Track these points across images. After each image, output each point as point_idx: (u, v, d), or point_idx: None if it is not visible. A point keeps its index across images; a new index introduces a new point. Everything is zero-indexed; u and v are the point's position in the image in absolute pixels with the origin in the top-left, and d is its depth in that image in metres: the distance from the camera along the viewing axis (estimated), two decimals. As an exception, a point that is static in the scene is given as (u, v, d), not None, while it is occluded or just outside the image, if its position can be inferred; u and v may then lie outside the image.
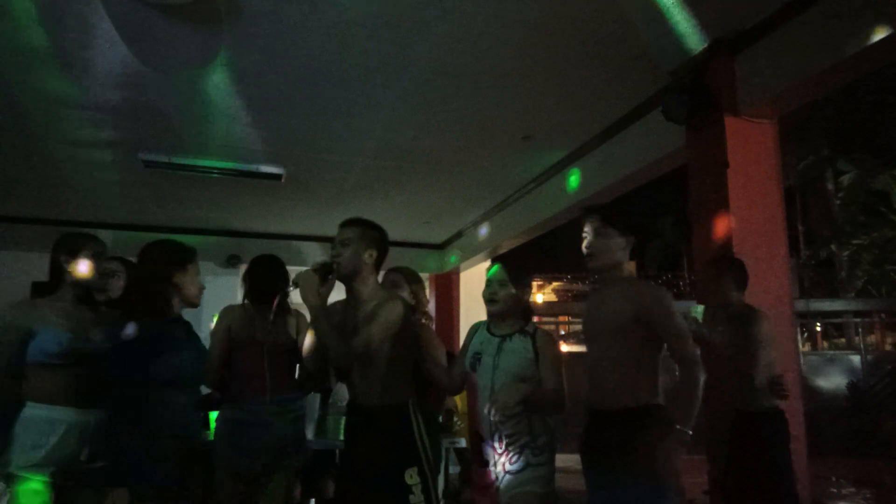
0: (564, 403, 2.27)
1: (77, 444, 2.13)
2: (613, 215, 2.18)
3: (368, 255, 2.31)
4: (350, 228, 2.35)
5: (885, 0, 2.35)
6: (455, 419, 3.84)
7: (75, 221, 6.62)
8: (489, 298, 2.39)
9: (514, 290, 2.37)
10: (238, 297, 3.66)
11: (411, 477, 2.15)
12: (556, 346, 2.37)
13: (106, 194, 5.74)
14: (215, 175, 4.93)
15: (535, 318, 2.51)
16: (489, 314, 2.45)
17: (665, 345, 2.07)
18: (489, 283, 2.41)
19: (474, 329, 2.51)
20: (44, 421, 2.13)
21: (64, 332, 2.19)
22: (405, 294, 2.86)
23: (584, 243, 2.20)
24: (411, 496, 2.13)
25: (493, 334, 2.40)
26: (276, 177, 4.98)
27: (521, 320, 2.40)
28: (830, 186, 14.26)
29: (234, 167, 4.82)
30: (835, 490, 6.43)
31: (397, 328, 2.23)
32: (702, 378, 1.97)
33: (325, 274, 2.23)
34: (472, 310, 8.34)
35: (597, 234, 2.17)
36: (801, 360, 9.18)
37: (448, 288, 8.21)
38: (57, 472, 2.11)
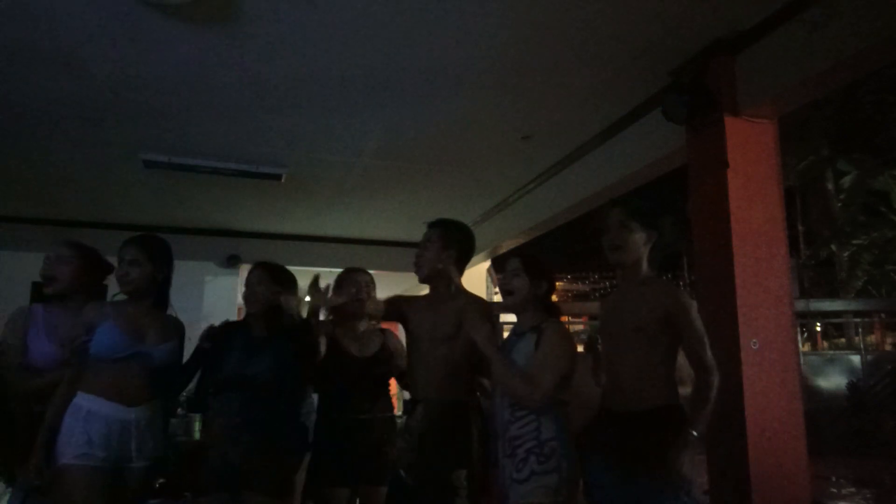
0: (528, 395, 2.07)
1: (118, 440, 2.17)
2: (638, 209, 2.17)
3: (447, 256, 2.34)
4: (432, 229, 2.44)
5: (885, 0, 2.35)
6: None
7: (75, 221, 6.63)
8: (502, 288, 2.32)
9: (529, 282, 2.24)
10: (238, 297, 3.66)
11: (459, 479, 2.13)
12: (559, 342, 2.15)
13: (106, 194, 5.74)
14: (215, 175, 4.92)
15: None
16: (505, 308, 2.35)
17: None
18: (504, 273, 2.32)
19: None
20: (90, 413, 2.17)
21: (117, 330, 2.24)
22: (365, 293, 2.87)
23: (607, 236, 2.18)
24: (457, 499, 2.11)
25: (514, 333, 2.31)
26: (276, 177, 4.97)
27: (539, 316, 2.25)
28: (830, 186, 14.24)
29: (234, 167, 4.81)
30: (835, 490, 6.43)
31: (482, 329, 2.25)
32: (716, 384, 1.97)
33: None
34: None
35: (620, 227, 2.15)
36: (801, 360, 9.17)
37: (448, 288, 8.20)
38: (100, 464, 2.14)
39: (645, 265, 2.18)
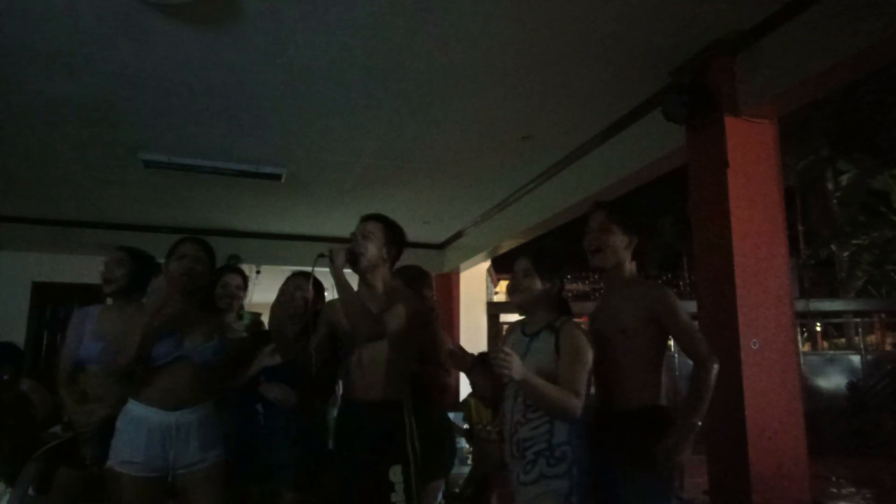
0: (575, 407, 2.01)
1: (160, 444, 2.19)
2: (619, 212, 2.17)
3: (387, 251, 2.36)
4: (373, 223, 2.41)
5: (885, 0, 2.35)
6: (486, 425, 3.86)
7: (75, 221, 6.64)
8: (510, 288, 2.27)
9: (539, 282, 2.19)
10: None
11: (395, 475, 2.16)
12: (579, 341, 2.10)
13: (106, 194, 5.74)
14: (215, 175, 4.92)
15: None
16: (515, 308, 2.32)
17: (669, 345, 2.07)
18: (513, 274, 2.28)
19: (510, 331, 2.37)
20: (136, 419, 2.21)
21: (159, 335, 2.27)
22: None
23: (588, 238, 2.19)
24: (393, 494, 2.13)
25: (524, 334, 2.26)
26: (276, 177, 4.98)
27: (551, 315, 2.20)
28: (830, 186, 14.26)
29: (234, 167, 4.82)
30: (835, 490, 6.44)
31: (410, 323, 2.26)
32: (714, 371, 1.97)
33: (353, 257, 2.29)
34: (472, 310, 8.34)
35: (601, 229, 2.16)
36: (801, 360, 9.17)
37: (448, 288, 8.21)
38: (140, 472, 2.17)
39: (628, 268, 2.18)
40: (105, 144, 4.42)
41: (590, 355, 2.09)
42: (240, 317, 2.88)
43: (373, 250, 2.33)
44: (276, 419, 2.56)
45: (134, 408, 2.23)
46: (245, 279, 3.19)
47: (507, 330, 2.42)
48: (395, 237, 2.40)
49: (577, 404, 2.01)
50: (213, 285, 2.91)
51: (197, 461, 2.23)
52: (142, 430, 2.18)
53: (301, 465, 2.54)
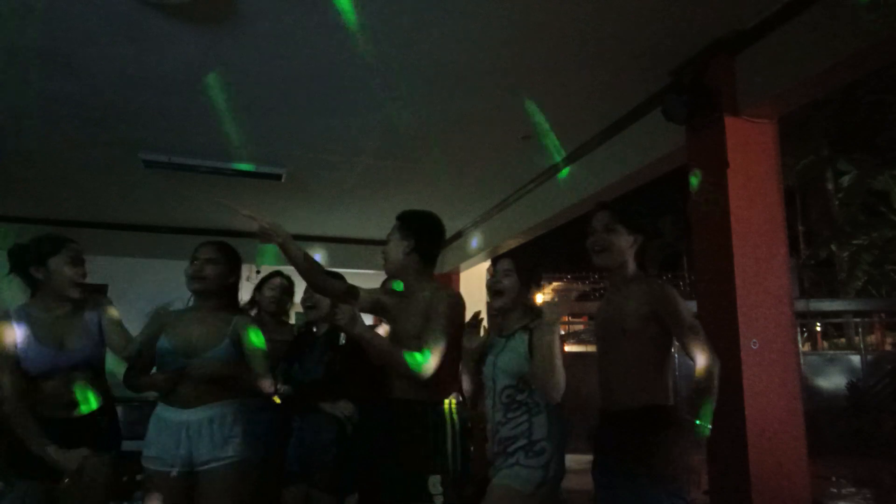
0: (554, 388, 2.11)
1: (173, 441, 2.27)
2: (623, 212, 2.17)
3: (406, 246, 2.29)
4: (394, 224, 2.37)
5: (885, 0, 2.35)
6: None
7: (75, 221, 6.62)
8: (493, 290, 2.33)
9: (519, 282, 2.30)
10: (241, 296, 3.70)
11: (434, 486, 2.04)
12: (551, 337, 2.15)
13: (106, 194, 5.74)
14: (215, 175, 4.92)
15: None
16: (494, 309, 2.37)
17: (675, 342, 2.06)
18: (494, 273, 2.35)
19: (486, 334, 2.46)
20: (156, 417, 2.35)
21: (166, 339, 2.37)
22: None
23: (592, 238, 2.19)
24: None
25: (500, 335, 2.37)
26: (276, 177, 4.98)
27: (526, 318, 2.31)
28: (830, 186, 14.25)
29: (234, 167, 4.82)
30: (835, 490, 6.43)
31: (446, 319, 2.18)
32: (717, 370, 1.95)
33: (347, 298, 2.28)
34: (471, 310, 8.32)
35: (605, 230, 2.16)
36: (801, 360, 9.17)
37: (448, 288, 8.19)
38: (160, 467, 2.27)
39: (631, 267, 2.18)
40: (105, 144, 4.42)
41: (561, 351, 2.19)
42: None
43: (390, 251, 2.32)
44: (311, 421, 2.56)
45: (158, 408, 2.37)
46: (291, 282, 3.25)
47: (485, 334, 2.46)
48: (411, 228, 2.31)
49: (555, 386, 2.11)
50: (258, 288, 2.97)
51: (211, 459, 2.27)
52: (159, 428, 2.31)
53: (337, 467, 2.55)
